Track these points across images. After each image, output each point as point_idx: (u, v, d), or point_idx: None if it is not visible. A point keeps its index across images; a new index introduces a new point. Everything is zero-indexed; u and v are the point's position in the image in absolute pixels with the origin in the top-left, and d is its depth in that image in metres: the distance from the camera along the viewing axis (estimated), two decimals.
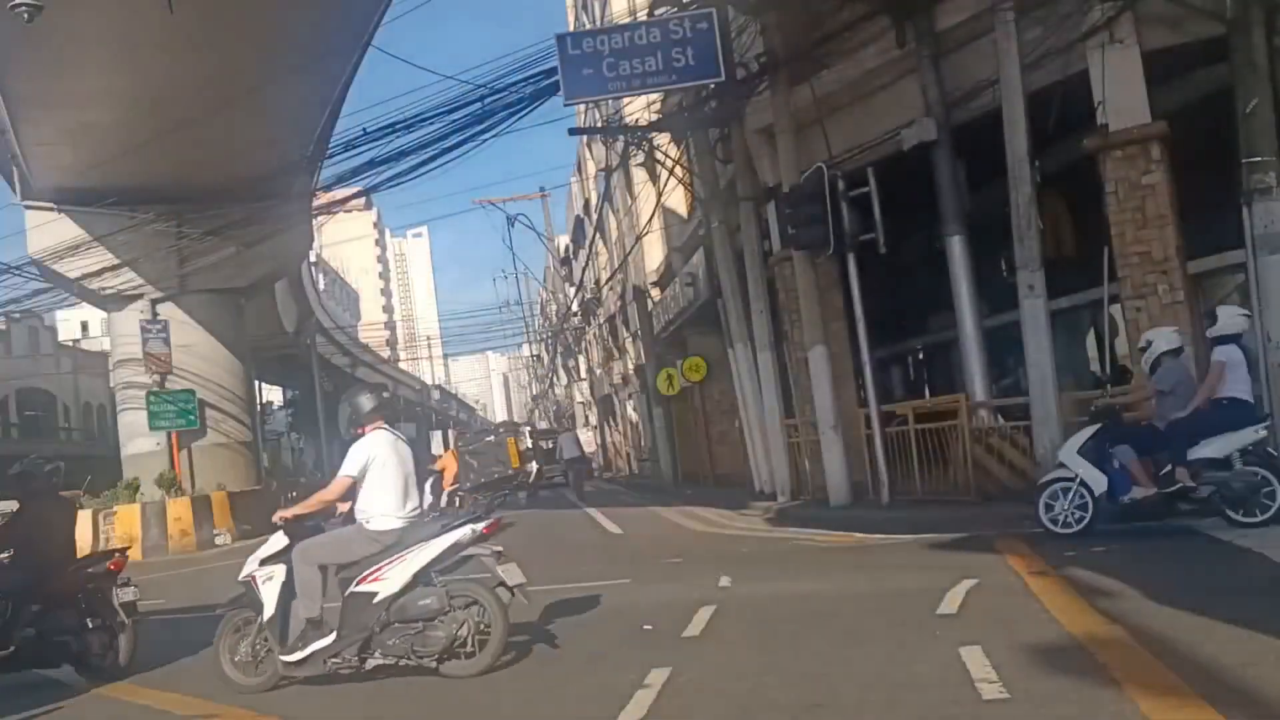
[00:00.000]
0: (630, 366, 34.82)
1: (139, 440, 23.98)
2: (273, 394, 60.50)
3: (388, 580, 6.02)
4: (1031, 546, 8.20)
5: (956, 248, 12.02)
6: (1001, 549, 8.28)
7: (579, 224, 44.83)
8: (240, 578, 6.52)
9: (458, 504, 17.56)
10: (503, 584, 6.04)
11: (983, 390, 12.14)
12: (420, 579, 6.05)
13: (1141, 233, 10.39)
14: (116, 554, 7.83)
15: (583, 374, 52.22)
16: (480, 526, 6.17)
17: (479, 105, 16.04)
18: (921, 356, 17.41)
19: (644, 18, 15.58)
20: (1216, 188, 10.23)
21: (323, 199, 26.50)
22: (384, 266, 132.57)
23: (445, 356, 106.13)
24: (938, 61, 12.11)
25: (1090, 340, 13.34)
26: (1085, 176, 10.94)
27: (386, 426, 6.66)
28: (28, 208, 23.48)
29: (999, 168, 11.12)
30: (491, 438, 27.67)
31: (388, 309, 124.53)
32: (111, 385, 27.94)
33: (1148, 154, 10.37)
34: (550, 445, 37.83)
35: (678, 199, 23.54)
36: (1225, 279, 11.07)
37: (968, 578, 7.08)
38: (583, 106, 23.79)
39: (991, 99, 11.39)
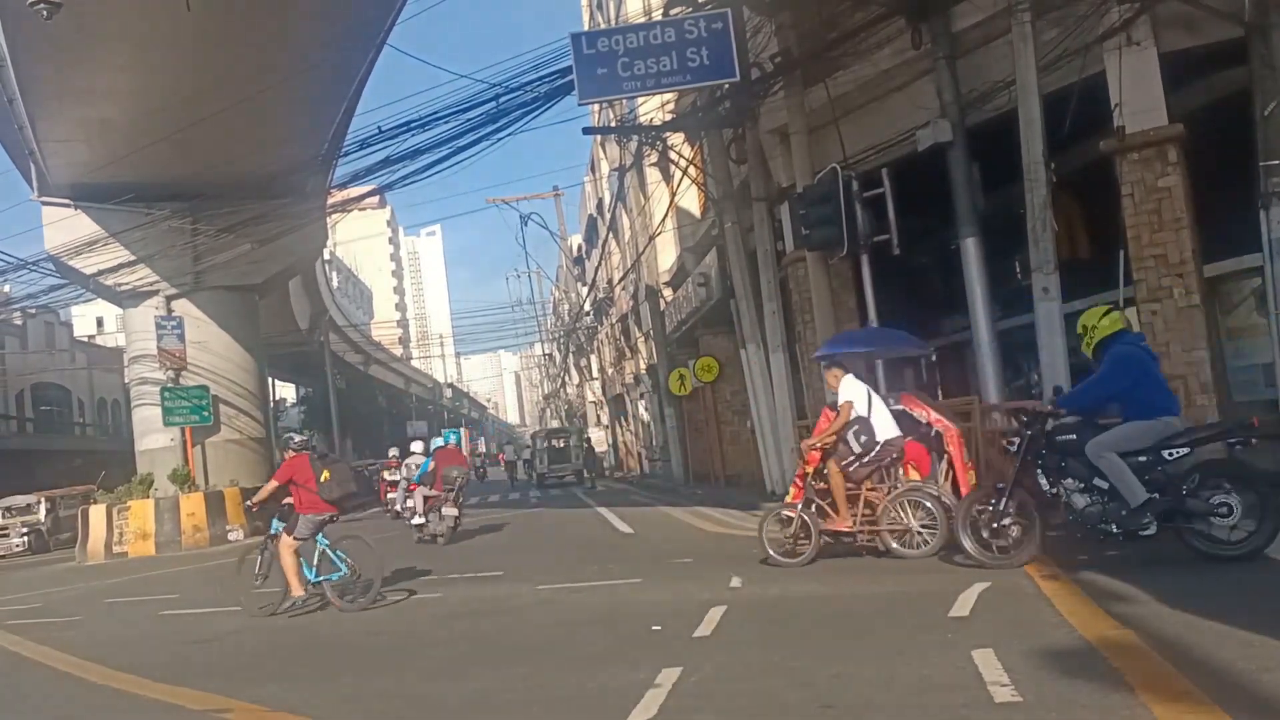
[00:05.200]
0: (642, 366, 34.83)
1: (153, 436, 24.14)
2: (286, 391, 60.83)
3: None
4: (1044, 549, 8.16)
5: (971, 249, 11.97)
6: None
7: (592, 223, 44.88)
8: None
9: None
10: None
11: (996, 393, 12.09)
12: None
13: (1157, 235, 10.34)
14: None
15: (595, 373, 52.26)
16: None
17: (493, 104, 16.10)
18: (935, 358, 17.34)
19: (659, 17, 15.59)
20: (1234, 191, 10.17)
21: (337, 197, 26.65)
22: (397, 265, 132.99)
23: (457, 355, 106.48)
24: (954, 62, 12.07)
25: None
26: (1101, 179, 10.89)
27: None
28: (44, 204, 23.68)
29: (1014, 169, 11.08)
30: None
31: (401, 307, 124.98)
32: (126, 381, 28.15)
33: (1164, 156, 10.32)
34: (562, 444, 37.97)
35: (691, 199, 23.54)
36: (1242, 283, 11.01)
37: (980, 580, 7.07)
38: (597, 106, 23.81)
39: (1007, 100, 11.35)
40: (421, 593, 10.08)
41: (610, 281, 40.23)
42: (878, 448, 8.73)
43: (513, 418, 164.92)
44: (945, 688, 4.71)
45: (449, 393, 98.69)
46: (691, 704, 4.95)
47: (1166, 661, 4.73)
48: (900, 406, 9.33)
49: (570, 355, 58.26)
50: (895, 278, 13.31)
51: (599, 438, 46.61)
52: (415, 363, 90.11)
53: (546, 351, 68.62)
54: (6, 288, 30.47)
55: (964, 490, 8.65)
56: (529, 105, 15.82)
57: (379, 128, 17.86)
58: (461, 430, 70.79)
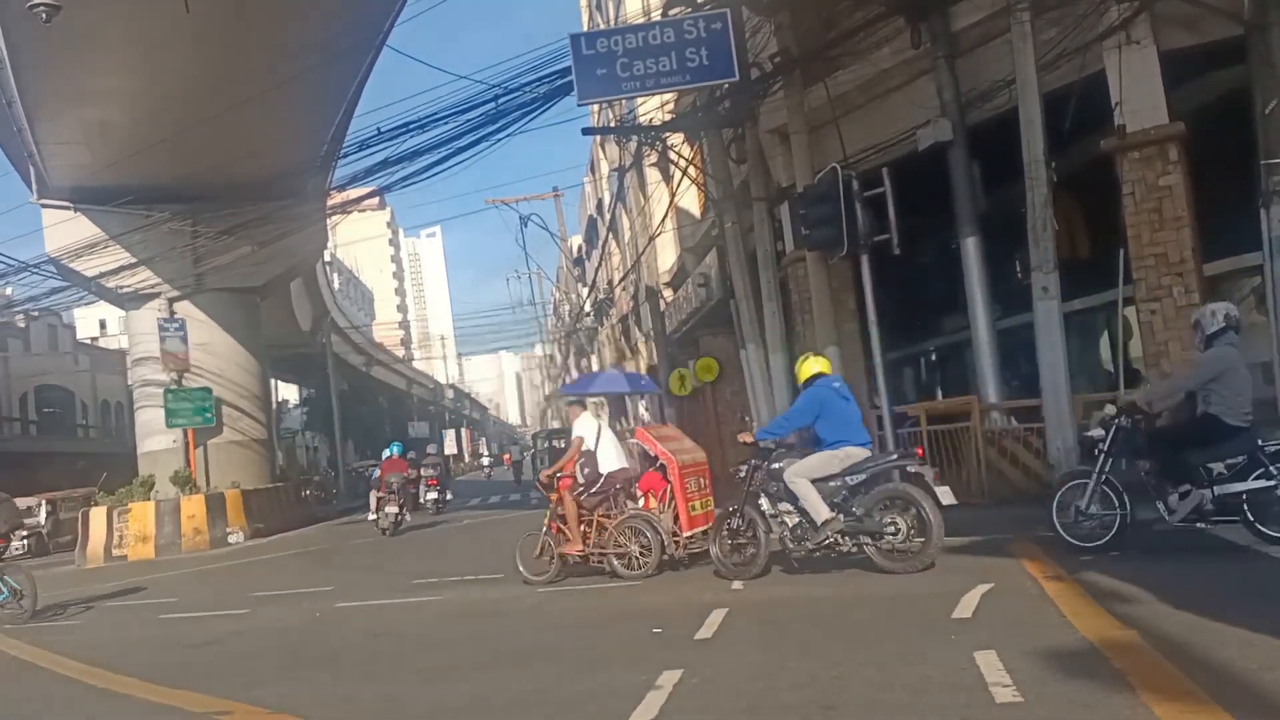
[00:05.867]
0: (643, 366, 34.82)
1: (156, 437, 24.13)
2: (288, 392, 60.79)
3: None
4: (1046, 550, 8.16)
5: (971, 249, 11.98)
6: (1016, 553, 8.24)
7: (592, 224, 44.89)
8: None
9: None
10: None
11: (995, 392, 12.09)
12: None
13: (1158, 234, 10.33)
14: None
15: None
16: None
17: (492, 105, 16.10)
18: (934, 358, 17.33)
19: (658, 18, 15.58)
20: (1234, 189, 10.16)
21: (337, 198, 26.64)
22: (398, 266, 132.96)
23: (459, 356, 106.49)
24: (953, 62, 12.08)
25: (1104, 342, 13.27)
26: (1101, 178, 10.89)
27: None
28: (45, 206, 23.67)
29: (1014, 168, 11.08)
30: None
31: (402, 308, 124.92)
32: (129, 383, 28.17)
33: (1165, 155, 10.31)
34: (563, 445, 38.00)
35: (691, 199, 23.53)
36: (1242, 281, 10.99)
37: (982, 581, 7.05)
38: (596, 106, 23.81)
39: (1007, 99, 11.35)
40: (399, 598, 10.09)
41: (610, 282, 40.23)
42: (601, 479, 9.78)
43: (514, 418, 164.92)
44: (947, 689, 4.70)
45: (450, 394, 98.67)
46: (693, 706, 4.94)
47: (1169, 661, 4.72)
48: (635, 440, 10.43)
49: (571, 356, 58.24)
50: (896, 277, 13.30)
51: None
52: (417, 364, 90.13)
53: (547, 352, 68.63)
54: (9, 290, 30.53)
55: (683, 516, 9.59)
56: (528, 106, 15.83)
57: (378, 129, 17.88)
58: (464, 431, 70.78)
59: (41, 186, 23.34)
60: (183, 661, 7.88)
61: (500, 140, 16.73)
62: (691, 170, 20.04)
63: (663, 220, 24.71)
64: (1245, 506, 7.23)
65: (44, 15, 12.80)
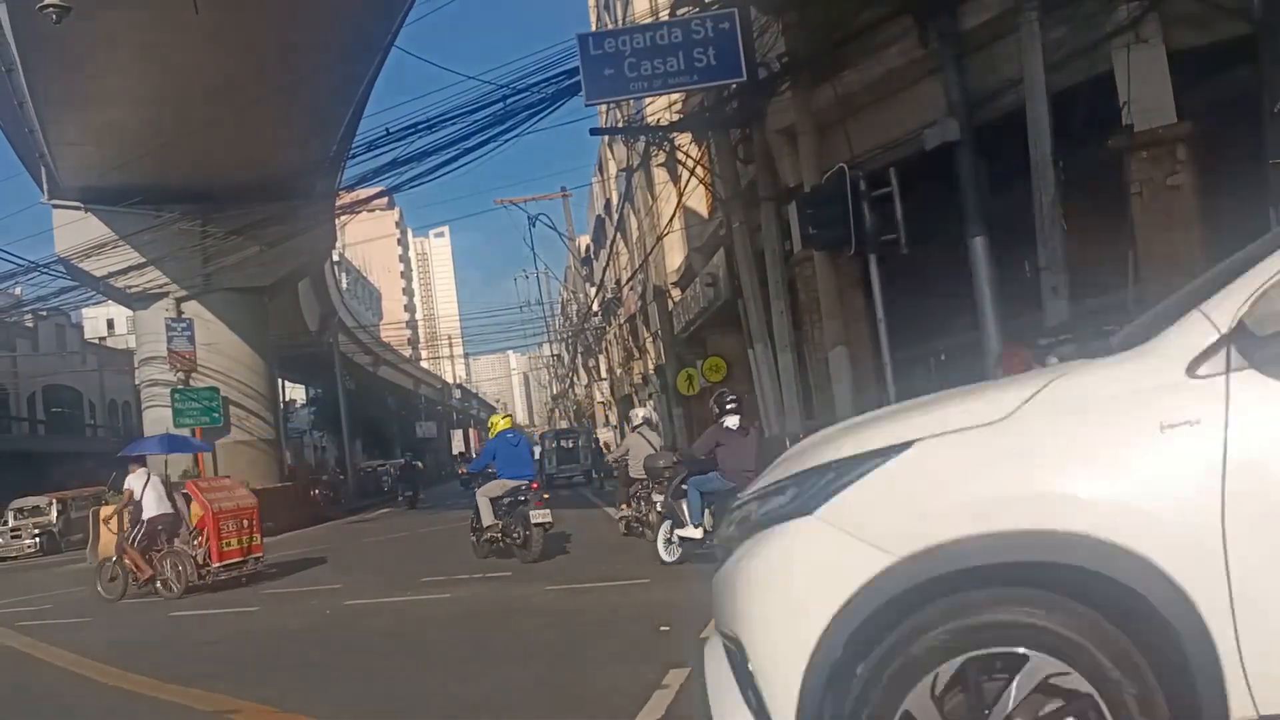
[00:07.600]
0: (650, 366, 34.84)
1: None
2: (295, 392, 60.96)
3: None
4: None
5: (979, 249, 11.93)
6: None
7: (600, 224, 44.93)
8: None
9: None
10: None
11: None
12: None
13: (1167, 234, 10.28)
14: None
15: (603, 374, 52.28)
16: None
17: (501, 105, 16.12)
18: (944, 358, 17.29)
19: (666, 18, 15.57)
20: (1243, 189, 10.11)
21: (345, 198, 26.71)
22: (406, 266, 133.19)
23: (466, 355, 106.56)
24: (961, 61, 12.03)
25: None
26: (1110, 178, 10.85)
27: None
28: (55, 207, 23.79)
29: (1022, 168, 11.04)
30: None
31: (409, 308, 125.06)
32: (137, 382, 28.26)
33: (1173, 155, 10.26)
34: (570, 445, 38.02)
35: (699, 199, 23.51)
36: None
37: None
38: (604, 106, 23.81)
39: (1015, 99, 11.31)
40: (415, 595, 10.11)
41: (618, 282, 40.26)
42: (143, 523, 12.49)
43: (521, 418, 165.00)
44: None
45: (458, 394, 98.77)
46: (699, 705, 4.94)
47: None
48: (185, 491, 13.28)
49: (578, 356, 58.31)
50: (903, 277, 13.26)
51: (607, 438, 46.61)
52: (424, 364, 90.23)
53: (555, 352, 68.68)
54: (18, 290, 30.63)
55: (213, 551, 12.42)
56: (536, 106, 15.85)
57: (387, 130, 17.98)
58: (471, 431, 70.87)
59: (52, 187, 23.47)
60: (192, 659, 7.92)
61: (508, 140, 16.76)
62: (699, 170, 20.02)
63: (670, 220, 24.71)
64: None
65: (54, 16, 12.88)
